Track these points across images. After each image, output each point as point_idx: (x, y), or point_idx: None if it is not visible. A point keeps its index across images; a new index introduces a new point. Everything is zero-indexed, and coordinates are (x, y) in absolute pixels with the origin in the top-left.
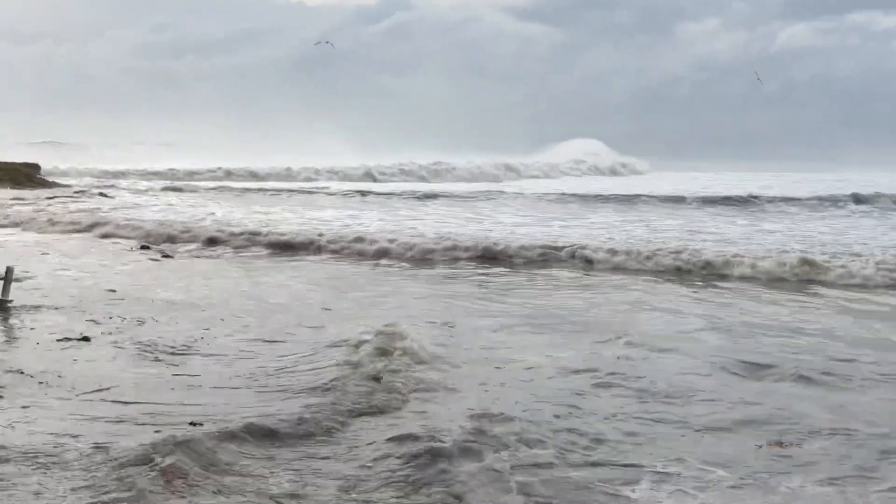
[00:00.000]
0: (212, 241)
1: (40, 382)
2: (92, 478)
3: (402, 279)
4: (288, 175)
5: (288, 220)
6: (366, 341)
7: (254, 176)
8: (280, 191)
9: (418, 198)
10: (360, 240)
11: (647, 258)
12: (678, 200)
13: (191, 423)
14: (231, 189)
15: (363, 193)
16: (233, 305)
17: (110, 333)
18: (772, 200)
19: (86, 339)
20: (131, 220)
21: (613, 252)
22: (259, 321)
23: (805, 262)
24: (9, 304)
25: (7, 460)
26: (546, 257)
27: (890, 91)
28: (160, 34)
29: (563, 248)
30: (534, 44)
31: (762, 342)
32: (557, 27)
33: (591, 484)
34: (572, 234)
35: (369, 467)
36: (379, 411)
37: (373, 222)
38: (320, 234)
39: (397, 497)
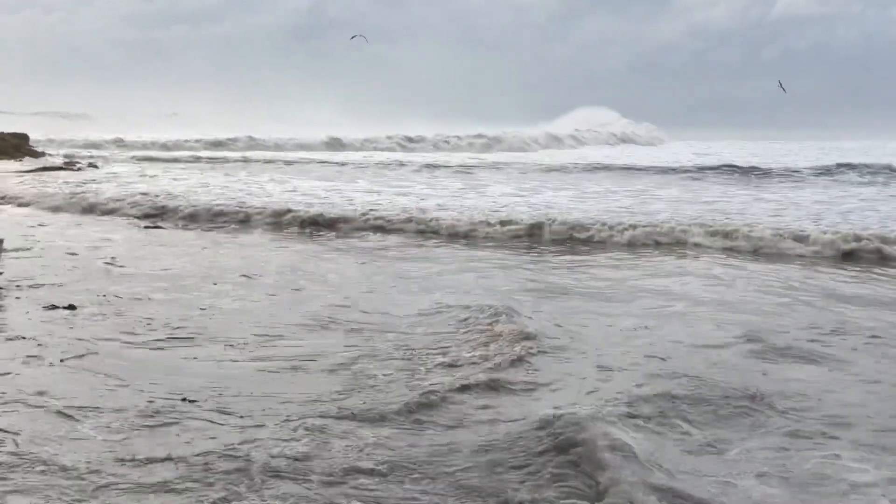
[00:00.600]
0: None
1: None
2: None
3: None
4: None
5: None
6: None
7: (255, 146)
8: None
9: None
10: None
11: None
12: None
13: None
14: (228, 160)
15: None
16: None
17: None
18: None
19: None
20: (125, 194)
21: None
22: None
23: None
24: None
25: None
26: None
27: (889, 59)
28: (150, 2)
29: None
30: (529, 12)
31: None
32: None
33: None
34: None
35: None
36: None
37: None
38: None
39: None
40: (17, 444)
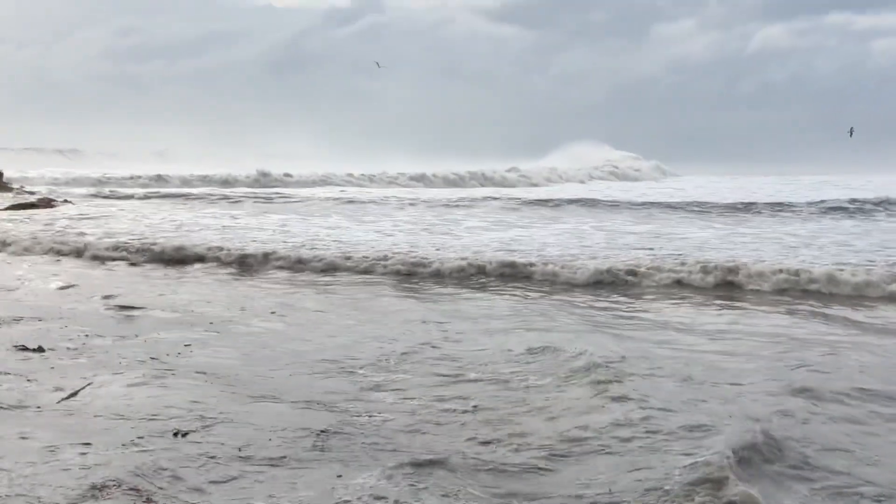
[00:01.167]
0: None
1: None
2: None
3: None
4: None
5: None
6: None
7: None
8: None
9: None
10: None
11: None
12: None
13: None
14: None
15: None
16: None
17: None
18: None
19: None
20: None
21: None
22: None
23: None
24: None
25: None
26: None
27: (867, 92)
28: (126, 37)
29: None
30: (508, 46)
31: None
32: (531, 29)
33: None
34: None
35: None
36: None
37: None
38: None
39: None
40: None
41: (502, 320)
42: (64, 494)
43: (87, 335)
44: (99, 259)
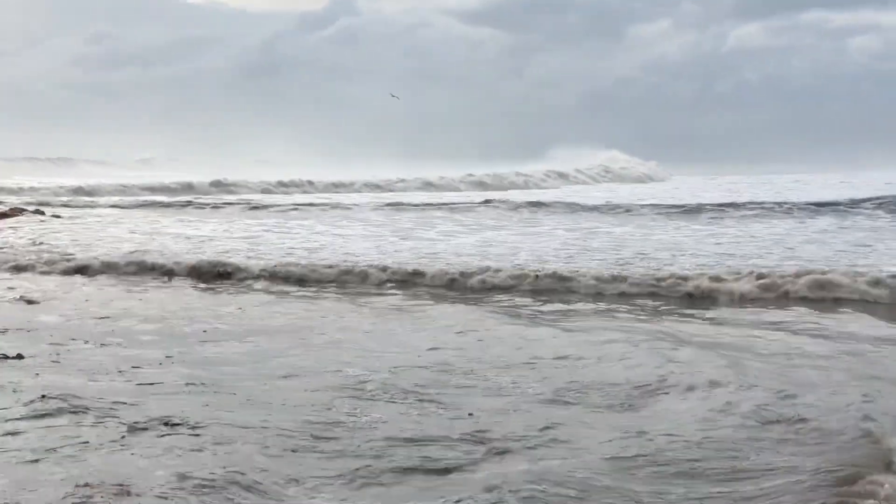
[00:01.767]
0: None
1: None
2: None
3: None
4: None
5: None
6: None
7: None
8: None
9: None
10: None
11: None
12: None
13: None
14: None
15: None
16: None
17: None
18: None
19: None
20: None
21: None
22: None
23: None
24: None
25: None
26: None
27: (843, 91)
28: (97, 44)
29: None
30: (483, 49)
31: None
32: (507, 31)
33: None
34: None
35: None
36: None
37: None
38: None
39: None
40: None
41: None
42: None
43: None
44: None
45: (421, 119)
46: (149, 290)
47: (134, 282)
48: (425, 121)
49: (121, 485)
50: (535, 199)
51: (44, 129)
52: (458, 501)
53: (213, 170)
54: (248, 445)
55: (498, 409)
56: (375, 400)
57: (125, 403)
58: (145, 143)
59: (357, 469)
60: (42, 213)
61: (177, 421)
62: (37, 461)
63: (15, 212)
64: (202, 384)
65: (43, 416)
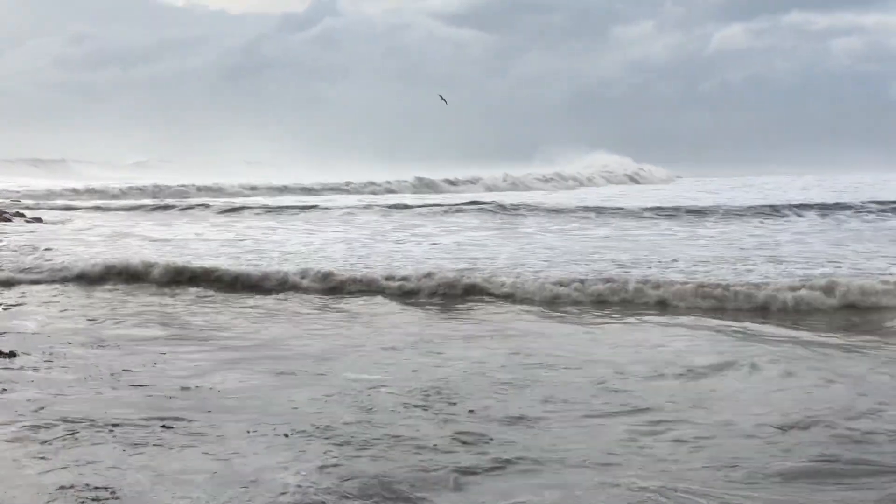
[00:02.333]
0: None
1: None
2: None
3: None
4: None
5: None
6: None
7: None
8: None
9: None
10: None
11: None
12: None
13: None
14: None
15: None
16: None
17: None
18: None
19: None
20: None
21: None
22: None
23: None
24: None
25: None
26: None
27: (825, 91)
28: (78, 45)
29: None
30: (466, 50)
31: None
32: (490, 32)
33: None
34: None
35: None
36: None
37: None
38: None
39: None
40: None
41: None
42: None
43: None
44: None
45: (404, 120)
46: None
47: None
48: (408, 122)
49: None
50: (519, 202)
51: (21, 129)
52: None
53: (206, 172)
54: None
55: None
56: None
57: None
58: (130, 144)
59: None
60: (22, 215)
61: None
62: None
63: None
64: None
65: None
